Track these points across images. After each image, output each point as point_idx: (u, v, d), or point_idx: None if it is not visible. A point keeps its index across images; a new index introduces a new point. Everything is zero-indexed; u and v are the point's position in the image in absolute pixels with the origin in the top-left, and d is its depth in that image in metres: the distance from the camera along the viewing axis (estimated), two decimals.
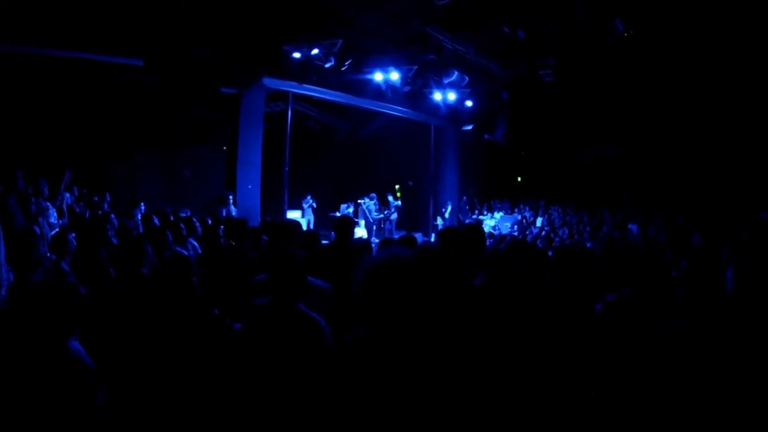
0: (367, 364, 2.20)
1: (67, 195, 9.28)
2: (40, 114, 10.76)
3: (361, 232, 16.43)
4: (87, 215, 9.00)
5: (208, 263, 5.47)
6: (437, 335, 2.14)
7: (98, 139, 11.51)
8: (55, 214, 8.22)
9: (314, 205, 17.47)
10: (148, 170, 12.66)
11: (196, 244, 6.45)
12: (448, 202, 18.91)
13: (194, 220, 7.18)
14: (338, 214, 16.81)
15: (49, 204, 8.18)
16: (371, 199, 17.21)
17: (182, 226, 6.78)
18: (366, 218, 16.98)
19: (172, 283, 3.55)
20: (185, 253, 6.08)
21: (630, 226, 14.02)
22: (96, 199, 10.15)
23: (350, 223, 5.59)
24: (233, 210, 12.23)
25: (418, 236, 16.90)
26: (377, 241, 13.51)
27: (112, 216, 7.53)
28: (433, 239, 12.68)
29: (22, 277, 4.08)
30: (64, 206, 8.73)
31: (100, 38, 10.33)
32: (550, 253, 6.15)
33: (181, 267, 3.80)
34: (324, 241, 6.54)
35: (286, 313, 3.16)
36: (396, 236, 16.68)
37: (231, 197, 12.38)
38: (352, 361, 2.27)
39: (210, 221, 8.22)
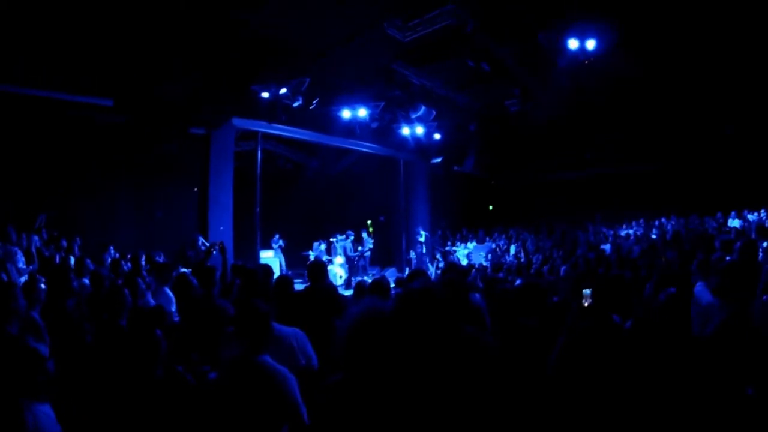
0: (340, 410, 2.19)
1: (36, 238, 9.04)
2: (5, 155, 10.49)
3: (338, 270, 16.31)
4: (57, 259, 8.77)
5: (181, 313, 5.36)
6: (416, 384, 2.11)
7: (67, 181, 11.26)
8: (23, 259, 8.00)
9: (282, 244, 17.22)
10: (119, 212, 12.39)
11: (170, 293, 6.29)
12: (420, 229, 18.86)
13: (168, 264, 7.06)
14: (311, 253, 16.71)
15: (17, 248, 7.96)
16: (347, 237, 17.12)
17: (145, 274, 6.65)
18: (345, 255, 16.88)
19: (138, 340, 3.44)
20: (151, 303, 5.98)
21: (602, 246, 14.21)
22: (65, 242, 9.90)
23: (322, 267, 5.59)
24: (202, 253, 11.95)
25: (392, 272, 16.96)
26: (356, 279, 13.46)
27: (87, 261, 7.35)
28: (407, 272, 12.66)
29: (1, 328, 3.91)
30: (33, 249, 8.50)
31: (68, 78, 10.22)
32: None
33: (146, 322, 3.72)
34: (297, 280, 6.49)
35: (248, 367, 3.14)
36: (370, 272, 16.73)
37: (200, 240, 12.17)
38: (326, 406, 2.27)
39: (181, 268, 8.08)
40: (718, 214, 15.48)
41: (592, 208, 19.75)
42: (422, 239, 18.46)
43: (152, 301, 6.07)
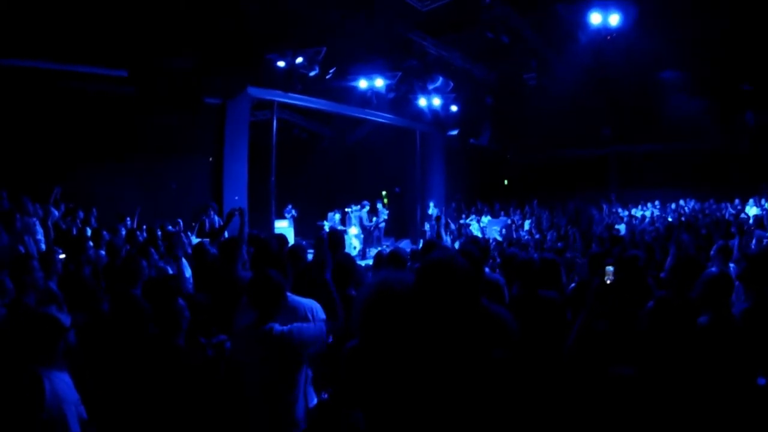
0: (355, 376, 2.27)
1: (54, 210, 9.12)
2: (19, 128, 10.53)
3: (353, 240, 16.32)
4: (74, 231, 8.84)
5: (199, 283, 5.40)
6: (430, 356, 2.11)
7: (80, 153, 11.29)
8: (42, 231, 8.07)
9: (295, 214, 17.27)
10: (133, 183, 12.44)
11: (185, 261, 6.33)
12: (431, 204, 18.84)
13: (182, 236, 7.10)
14: (326, 223, 16.73)
15: (35, 220, 8.03)
16: (362, 207, 17.10)
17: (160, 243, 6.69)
18: (361, 226, 16.88)
19: (155, 306, 3.49)
20: (169, 270, 6.03)
21: (617, 226, 14.10)
22: (81, 214, 9.96)
23: (340, 237, 5.55)
24: (216, 221, 12.00)
25: (406, 243, 16.95)
26: (374, 249, 13.47)
27: (104, 232, 7.40)
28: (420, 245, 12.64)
29: (18, 299, 3.98)
30: (50, 222, 8.57)
31: (82, 49, 10.16)
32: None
33: (162, 290, 3.78)
34: (311, 250, 6.47)
35: (258, 335, 3.21)
36: (384, 243, 16.74)
37: (214, 207, 12.21)
38: (346, 370, 2.34)
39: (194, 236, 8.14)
40: (736, 201, 15.26)
41: (607, 187, 19.61)
42: (430, 211, 18.39)
43: (169, 268, 6.14)
